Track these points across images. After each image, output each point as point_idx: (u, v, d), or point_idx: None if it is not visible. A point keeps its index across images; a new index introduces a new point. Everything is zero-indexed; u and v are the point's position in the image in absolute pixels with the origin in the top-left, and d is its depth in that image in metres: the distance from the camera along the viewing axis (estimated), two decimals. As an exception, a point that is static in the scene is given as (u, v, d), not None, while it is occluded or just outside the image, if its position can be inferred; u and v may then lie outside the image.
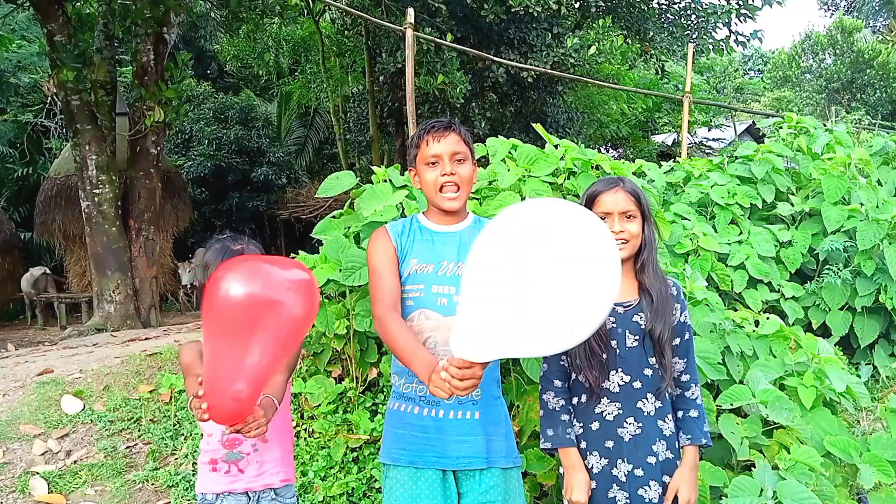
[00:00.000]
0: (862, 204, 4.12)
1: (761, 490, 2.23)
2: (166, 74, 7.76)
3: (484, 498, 1.83)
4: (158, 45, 7.60)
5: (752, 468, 2.41)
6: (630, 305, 1.87)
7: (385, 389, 3.16)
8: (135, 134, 7.62)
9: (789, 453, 2.39)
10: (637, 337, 1.85)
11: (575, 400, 1.91)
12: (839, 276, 4.00)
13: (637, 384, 1.84)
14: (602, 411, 1.86)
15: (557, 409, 1.91)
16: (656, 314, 1.84)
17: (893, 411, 2.82)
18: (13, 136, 12.73)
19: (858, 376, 3.77)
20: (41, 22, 7.15)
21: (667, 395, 1.87)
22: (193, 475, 3.02)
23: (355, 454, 2.98)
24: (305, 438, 3.06)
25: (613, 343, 1.84)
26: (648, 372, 1.85)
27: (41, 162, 12.61)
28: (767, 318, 3.24)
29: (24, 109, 12.71)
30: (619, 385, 1.84)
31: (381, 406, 3.09)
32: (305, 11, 12.01)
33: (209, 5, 10.96)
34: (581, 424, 1.89)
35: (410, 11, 5.53)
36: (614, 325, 1.85)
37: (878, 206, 4.10)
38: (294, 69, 15.25)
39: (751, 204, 4.39)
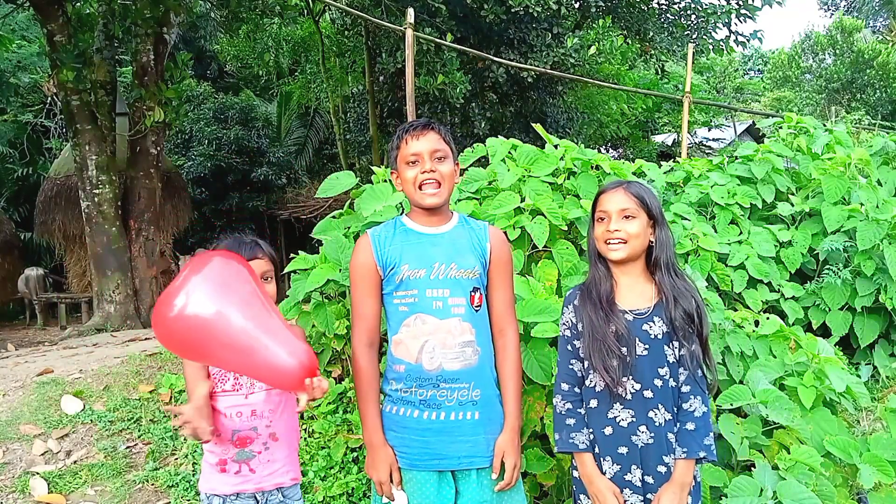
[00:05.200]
0: (862, 204, 4.12)
1: (761, 490, 2.23)
2: (166, 74, 7.76)
3: (481, 496, 1.84)
4: (158, 45, 7.60)
5: (752, 468, 2.41)
6: (641, 314, 1.86)
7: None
8: (135, 134, 7.62)
9: (789, 453, 2.39)
10: (646, 346, 1.84)
11: (588, 405, 1.90)
12: (839, 276, 4.00)
13: (648, 393, 1.83)
14: (615, 416, 1.85)
15: (563, 412, 1.90)
16: (675, 303, 1.83)
17: (893, 411, 2.82)
18: (13, 136, 12.74)
19: (858, 376, 3.77)
20: (41, 22, 7.15)
21: (674, 408, 1.85)
22: (194, 475, 3.02)
23: (355, 454, 2.98)
24: (305, 438, 3.06)
25: (624, 350, 1.83)
26: (659, 382, 1.83)
27: (41, 162, 12.62)
28: (767, 318, 3.24)
29: (24, 109, 12.71)
30: (631, 392, 1.83)
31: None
32: (305, 11, 12.01)
33: (209, 5, 10.97)
34: (592, 430, 1.88)
35: (410, 11, 5.53)
36: (626, 332, 1.84)
37: (878, 206, 4.09)
38: (294, 69, 15.24)
39: (751, 204, 4.39)
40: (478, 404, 1.85)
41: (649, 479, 1.83)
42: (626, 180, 1.94)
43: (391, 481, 1.84)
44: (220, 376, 1.87)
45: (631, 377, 1.83)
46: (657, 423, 1.83)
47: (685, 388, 1.85)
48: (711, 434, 1.84)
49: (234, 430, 1.85)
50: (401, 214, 1.98)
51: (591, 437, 1.88)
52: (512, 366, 1.93)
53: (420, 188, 1.86)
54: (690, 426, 1.82)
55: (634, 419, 1.83)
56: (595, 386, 1.88)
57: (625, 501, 1.83)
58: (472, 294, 1.87)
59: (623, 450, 1.84)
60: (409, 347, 1.85)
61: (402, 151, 1.88)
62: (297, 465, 1.97)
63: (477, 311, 1.88)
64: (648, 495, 1.82)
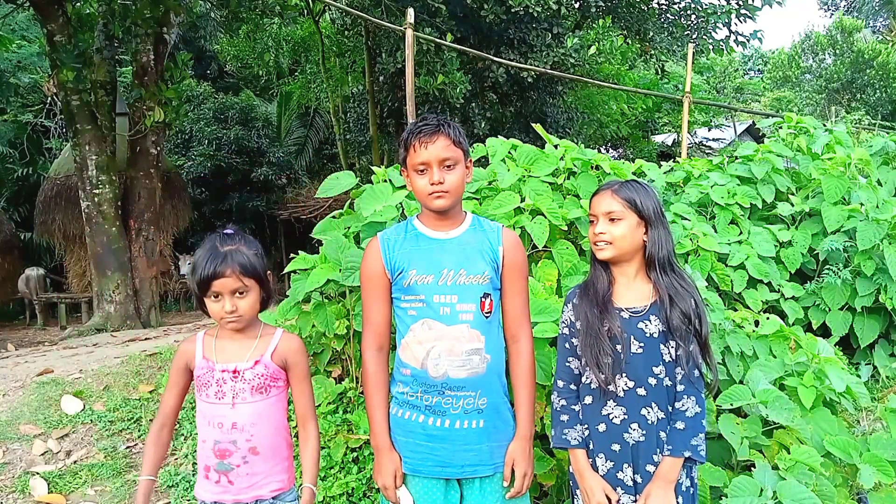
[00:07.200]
0: (862, 204, 4.12)
1: (761, 490, 2.23)
2: (166, 74, 7.77)
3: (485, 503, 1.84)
4: (158, 45, 7.61)
5: (752, 468, 2.41)
6: (637, 312, 1.87)
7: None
8: (135, 134, 7.63)
9: (789, 453, 2.38)
10: (642, 344, 1.84)
11: (583, 401, 1.91)
12: (839, 276, 4.00)
13: (641, 391, 1.83)
14: (609, 414, 1.86)
15: (558, 409, 1.93)
16: (672, 303, 1.83)
17: (893, 411, 2.81)
18: (13, 136, 12.74)
19: (858, 376, 3.77)
20: (41, 22, 7.16)
21: (669, 407, 1.85)
22: (193, 475, 3.02)
23: (355, 454, 2.98)
24: (305, 438, 3.05)
25: (618, 347, 1.83)
26: (653, 381, 1.83)
27: (41, 162, 12.62)
28: (767, 318, 3.23)
29: (24, 109, 12.72)
30: (623, 390, 1.84)
31: (381, 406, 3.08)
32: (305, 11, 12.01)
33: (209, 5, 10.96)
34: (587, 426, 1.89)
35: (410, 11, 5.53)
36: (620, 330, 1.85)
37: (878, 206, 4.09)
38: (294, 69, 15.25)
39: (751, 204, 4.39)
40: (483, 413, 1.83)
41: (638, 479, 1.83)
42: (620, 181, 1.95)
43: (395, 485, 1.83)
44: (203, 380, 1.83)
45: (625, 375, 1.84)
46: (650, 421, 1.83)
47: (680, 388, 1.85)
48: (701, 435, 1.83)
49: (214, 440, 1.82)
50: (412, 217, 1.97)
51: (586, 433, 1.89)
52: (525, 373, 1.91)
53: (429, 195, 1.85)
54: (680, 425, 1.83)
55: (626, 416, 1.84)
56: (591, 383, 1.89)
57: (618, 500, 1.83)
58: (483, 300, 1.84)
59: (616, 447, 1.85)
60: (414, 352, 1.83)
61: (411, 158, 1.84)
62: (282, 476, 1.88)
63: (487, 317, 1.85)
64: (640, 496, 1.82)
